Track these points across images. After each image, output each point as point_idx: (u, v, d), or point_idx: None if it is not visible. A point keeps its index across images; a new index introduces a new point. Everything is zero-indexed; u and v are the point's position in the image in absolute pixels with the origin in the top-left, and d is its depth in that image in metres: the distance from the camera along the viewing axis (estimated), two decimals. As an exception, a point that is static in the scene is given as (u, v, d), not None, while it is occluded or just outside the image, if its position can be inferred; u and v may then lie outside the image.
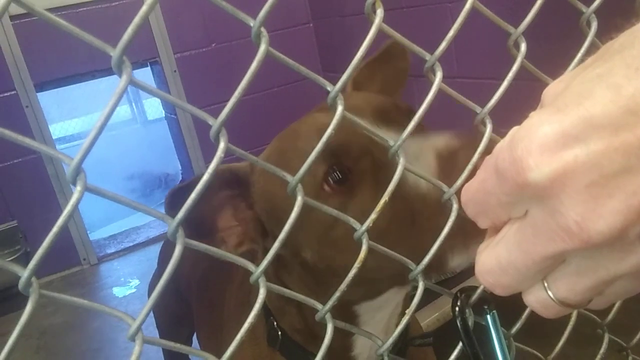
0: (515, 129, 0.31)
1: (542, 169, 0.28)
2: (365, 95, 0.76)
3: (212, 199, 0.70)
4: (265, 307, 0.84)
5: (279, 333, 0.81)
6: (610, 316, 0.80)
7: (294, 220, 0.43)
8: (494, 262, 0.34)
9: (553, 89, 0.34)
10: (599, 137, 0.27)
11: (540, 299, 0.34)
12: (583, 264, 0.31)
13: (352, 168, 0.64)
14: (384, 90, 0.86)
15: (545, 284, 0.33)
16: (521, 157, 0.29)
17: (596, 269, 0.31)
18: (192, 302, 1.36)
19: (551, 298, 0.33)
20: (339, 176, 0.63)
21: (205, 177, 0.37)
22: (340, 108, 0.43)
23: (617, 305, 0.79)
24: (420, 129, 0.68)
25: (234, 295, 1.05)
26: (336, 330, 0.54)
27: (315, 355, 0.77)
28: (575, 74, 0.32)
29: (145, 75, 3.46)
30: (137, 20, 0.31)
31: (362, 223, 0.50)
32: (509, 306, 0.66)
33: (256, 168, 0.71)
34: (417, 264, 0.55)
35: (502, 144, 0.31)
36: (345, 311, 0.73)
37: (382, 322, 0.77)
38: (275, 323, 0.83)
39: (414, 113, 0.72)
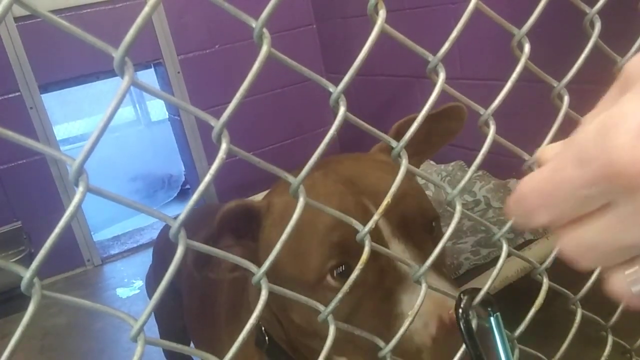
0: (598, 116, 0.28)
1: (639, 160, 0.25)
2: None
3: (223, 227, 0.70)
4: (249, 304, 0.88)
5: (266, 338, 0.84)
6: (614, 318, 0.79)
7: (292, 228, 0.43)
8: (577, 242, 0.32)
9: (639, 63, 0.30)
10: None
11: (624, 289, 0.32)
12: None
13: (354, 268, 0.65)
14: (426, 142, 0.84)
15: (631, 271, 0.31)
16: (615, 146, 0.26)
17: None
18: (183, 294, 1.36)
19: (634, 291, 0.31)
20: (343, 270, 0.66)
21: (207, 178, 0.37)
22: (342, 109, 0.43)
23: (621, 307, 0.78)
24: (439, 270, 0.70)
25: (225, 294, 1.06)
26: (312, 351, 0.56)
27: None
28: None
29: (148, 76, 3.46)
30: (139, 21, 0.31)
31: (350, 321, 0.54)
32: (512, 308, 0.66)
33: (271, 214, 0.73)
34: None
35: (586, 133, 0.28)
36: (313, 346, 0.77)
37: None
38: (263, 328, 0.85)
39: (438, 223, 0.72)
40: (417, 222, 0.70)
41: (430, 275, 0.62)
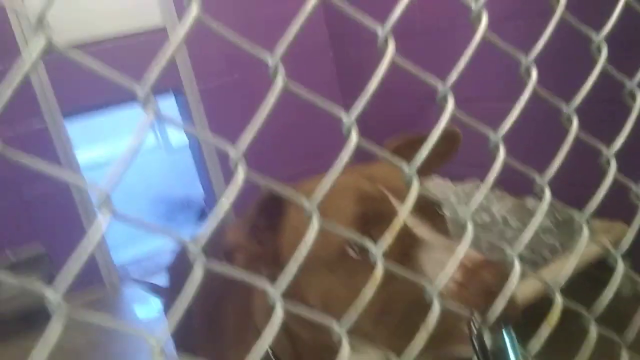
0: None
1: None
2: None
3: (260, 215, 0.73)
4: (256, 326, 0.88)
5: (270, 353, 0.85)
6: (629, 334, 0.79)
7: (311, 243, 0.44)
8: None
9: None
10: None
11: None
12: None
13: (376, 238, 0.68)
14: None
15: None
16: None
17: None
18: (193, 315, 1.36)
19: None
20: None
21: (225, 203, 0.39)
22: (354, 138, 0.45)
23: (637, 322, 0.78)
24: (445, 231, 0.75)
25: (233, 314, 1.07)
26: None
27: None
28: None
29: (169, 104, 3.52)
30: (162, 62, 0.33)
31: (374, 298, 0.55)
32: (527, 325, 0.66)
33: (293, 206, 0.74)
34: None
35: None
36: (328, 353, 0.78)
37: None
38: (270, 351, 0.85)
39: (442, 210, 0.75)
40: (427, 201, 0.74)
41: (444, 239, 0.68)
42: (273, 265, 0.75)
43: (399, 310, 0.68)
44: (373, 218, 0.70)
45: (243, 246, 0.73)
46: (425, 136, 0.85)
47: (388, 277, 0.65)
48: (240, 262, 0.72)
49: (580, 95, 0.63)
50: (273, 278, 0.76)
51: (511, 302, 0.63)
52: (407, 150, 0.88)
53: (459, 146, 0.86)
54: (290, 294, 0.73)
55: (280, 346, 0.85)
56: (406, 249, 0.67)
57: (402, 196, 0.70)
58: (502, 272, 0.62)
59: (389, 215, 0.69)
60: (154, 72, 0.34)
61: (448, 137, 0.84)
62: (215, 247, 0.72)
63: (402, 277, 0.65)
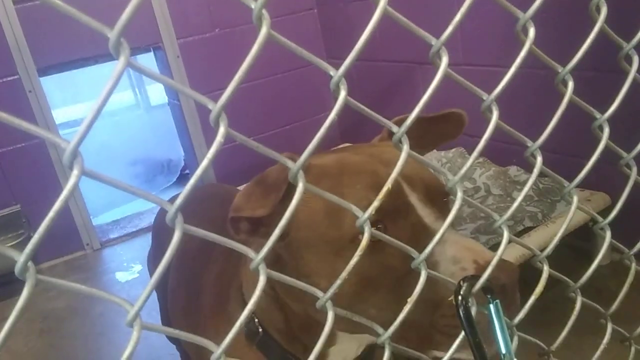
0: None
1: None
2: (416, 165, 0.77)
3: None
4: (241, 297, 0.87)
5: (259, 330, 0.84)
6: (614, 306, 0.79)
7: (294, 207, 0.42)
8: None
9: None
10: None
11: None
12: None
13: (389, 227, 0.69)
14: (422, 138, 0.84)
15: None
16: None
17: None
18: (170, 271, 1.35)
19: None
20: (377, 229, 0.68)
21: (205, 163, 0.37)
22: (343, 93, 0.43)
23: (621, 295, 0.78)
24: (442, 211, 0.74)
25: (212, 285, 1.05)
26: (316, 336, 0.56)
27: (293, 355, 0.83)
28: None
29: (148, 60, 3.44)
30: (135, 1, 0.30)
31: (379, 282, 0.57)
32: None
33: (307, 175, 0.71)
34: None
35: None
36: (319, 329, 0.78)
37: (348, 348, 0.84)
38: (256, 319, 0.84)
39: (448, 200, 0.75)
40: (437, 191, 0.74)
41: (455, 233, 0.69)
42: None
43: (389, 286, 0.68)
44: (387, 208, 0.68)
45: (253, 216, 0.69)
46: (433, 115, 0.83)
47: (383, 255, 0.66)
48: (243, 230, 0.70)
49: (577, 57, 0.61)
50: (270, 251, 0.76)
51: (508, 269, 0.63)
52: (411, 128, 0.86)
53: (464, 127, 0.85)
54: (300, 275, 0.72)
55: (269, 319, 0.84)
56: (420, 243, 0.65)
57: (414, 184, 0.72)
58: (514, 271, 0.63)
59: (404, 207, 0.70)
60: (127, 12, 0.30)
61: (453, 119, 0.85)
62: (222, 206, 0.69)
63: (395, 254, 0.64)
